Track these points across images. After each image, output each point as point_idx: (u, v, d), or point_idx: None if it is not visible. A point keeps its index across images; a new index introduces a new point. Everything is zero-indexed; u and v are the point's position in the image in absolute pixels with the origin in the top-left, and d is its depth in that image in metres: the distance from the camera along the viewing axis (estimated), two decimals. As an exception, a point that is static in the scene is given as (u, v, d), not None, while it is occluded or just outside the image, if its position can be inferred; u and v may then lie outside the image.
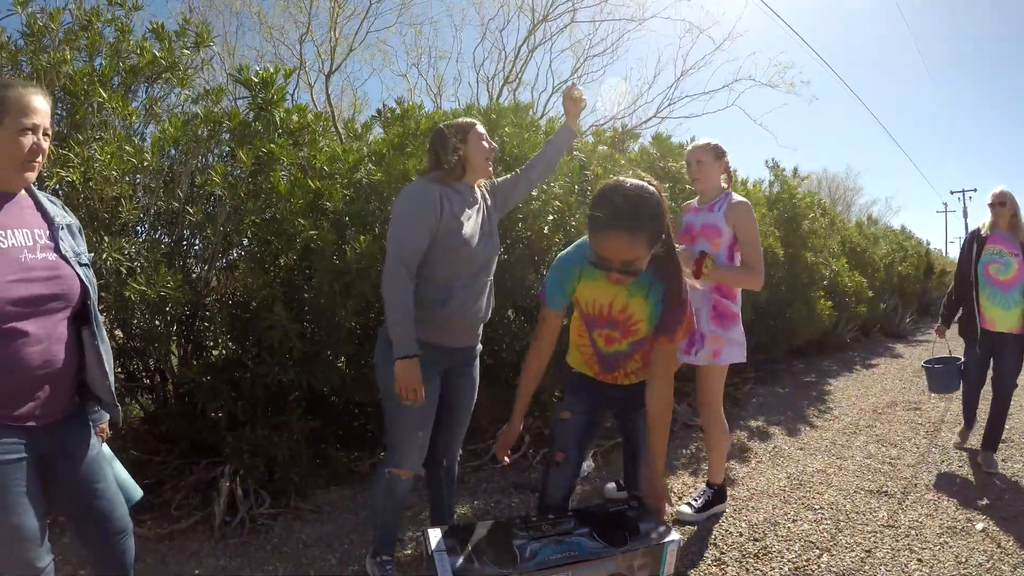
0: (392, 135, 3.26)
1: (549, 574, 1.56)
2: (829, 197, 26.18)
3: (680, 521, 2.64)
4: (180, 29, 3.03)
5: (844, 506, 2.88)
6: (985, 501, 2.95)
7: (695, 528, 2.63)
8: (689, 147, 2.78)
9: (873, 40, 75.24)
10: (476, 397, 2.21)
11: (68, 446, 1.45)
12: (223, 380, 2.71)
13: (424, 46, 19.27)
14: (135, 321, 2.72)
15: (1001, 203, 3.38)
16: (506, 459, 2.11)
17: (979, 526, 2.67)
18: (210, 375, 2.70)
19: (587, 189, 3.57)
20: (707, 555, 2.42)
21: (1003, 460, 3.46)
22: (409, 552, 2.40)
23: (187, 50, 3.01)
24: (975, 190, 33.57)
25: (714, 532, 2.61)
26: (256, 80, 2.94)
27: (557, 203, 3.17)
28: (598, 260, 1.65)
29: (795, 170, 6.56)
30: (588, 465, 3.15)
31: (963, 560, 2.38)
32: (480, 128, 2.07)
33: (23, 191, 1.41)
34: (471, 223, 2.02)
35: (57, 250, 1.40)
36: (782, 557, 2.41)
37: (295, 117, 3.05)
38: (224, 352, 2.97)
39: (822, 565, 2.35)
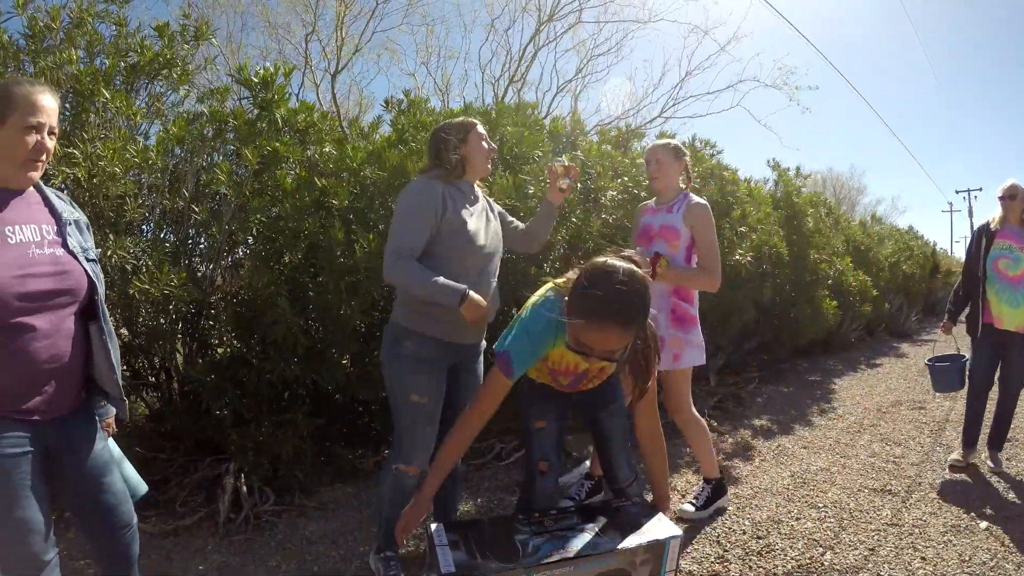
0: (397, 127, 3.28)
1: (552, 569, 1.56)
2: (834, 197, 26.07)
3: (683, 519, 2.64)
4: (181, 28, 3.04)
5: (848, 504, 2.88)
6: (989, 500, 2.94)
7: (698, 525, 2.63)
8: (648, 146, 2.77)
9: (878, 40, 75.02)
10: None
11: (74, 441, 1.46)
12: (228, 378, 2.73)
13: (434, 45, 19.28)
14: (140, 319, 2.74)
15: (1011, 196, 3.27)
16: (402, 542, 1.88)
17: (983, 525, 2.66)
18: (215, 373, 2.72)
19: (590, 187, 3.58)
20: (710, 552, 2.42)
21: (1007, 459, 3.44)
22: (412, 548, 2.41)
23: (187, 44, 3.01)
24: (980, 189, 33.52)
25: (717, 530, 2.61)
26: (256, 80, 2.95)
27: None
28: (578, 347, 1.56)
29: (798, 169, 6.54)
30: (584, 468, 3.15)
31: (967, 559, 2.37)
32: (480, 128, 2.12)
33: (31, 187, 1.42)
34: (474, 220, 2.05)
35: (65, 246, 1.41)
36: (785, 555, 2.41)
37: (302, 116, 3.07)
38: (229, 350, 2.99)
39: (825, 563, 2.35)
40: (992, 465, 3.34)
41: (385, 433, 3.30)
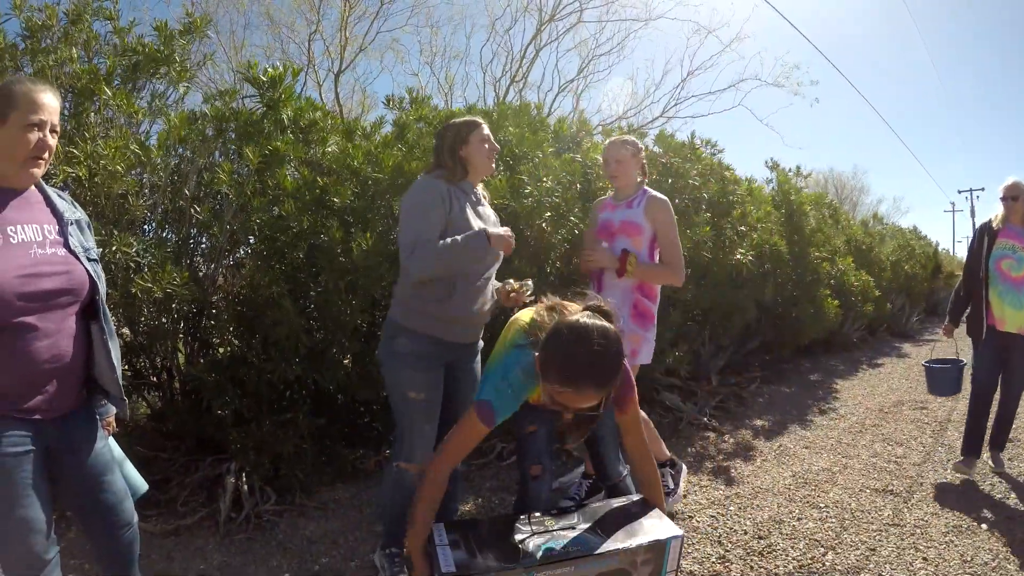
0: (399, 124, 3.28)
1: (552, 569, 1.56)
2: (836, 196, 26.04)
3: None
4: (183, 27, 3.04)
5: (849, 504, 2.87)
6: (991, 500, 2.94)
7: (699, 525, 2.63)
8: (606, 144, 2.77)
9: (880, 40, 74.88)
10: None
11: (75, 440, 1.46)
12: (229, 378, 2.73)
13: (439, 46, 19.30)
14: (142, 318, 2.74)
15: (1014, 197, 3.21)
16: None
17: (985, 525, 2.65)
18: (216, 373, 2.72)
19: (589, 187, 3.57)
20: (711, 552, 2.41)
21: (1009, 459, 3.44)
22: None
23: (183, 40, 3.00)
24: (983, 189, 33.37)
25: (719, 530, 2.60)
26: (265, 79, 2.96)
27: (555, 199, 3.16)
28: (555, 405, 1.56)
29: (797, 168, 6.56)
30: (582, 467, 3.14)
31: (968, 559, 2.37)
32: (485, 130, 2.12)
33: (32, 187, 1.43)
34: (477, 221, 2.07)
35: (66, 245, 1.41)
36: (787, 555, 2.40)
37: (307, 114, 3.07)
38: (230, 350, 2.99)
39: (827, 563, 2.34)
40: (994, 466, 3.33)
41: (386, 433, 3.30)
